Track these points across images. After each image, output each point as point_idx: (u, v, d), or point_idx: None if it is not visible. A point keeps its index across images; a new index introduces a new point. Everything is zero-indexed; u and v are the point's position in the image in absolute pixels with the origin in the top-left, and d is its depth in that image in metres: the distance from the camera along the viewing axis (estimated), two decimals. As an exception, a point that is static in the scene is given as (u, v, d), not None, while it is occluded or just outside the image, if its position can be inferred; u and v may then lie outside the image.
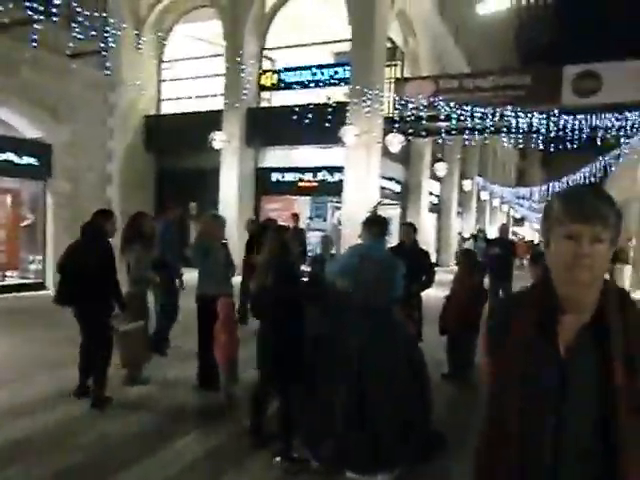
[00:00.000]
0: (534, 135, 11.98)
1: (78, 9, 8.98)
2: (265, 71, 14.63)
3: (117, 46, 10.55)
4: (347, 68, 13.20)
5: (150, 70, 15.78)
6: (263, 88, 14.61)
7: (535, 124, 11.70)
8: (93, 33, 9.33)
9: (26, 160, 9.83)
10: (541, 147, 12.37)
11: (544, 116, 11.68)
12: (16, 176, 9.86)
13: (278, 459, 3.37)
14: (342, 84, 13.48)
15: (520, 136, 12.24)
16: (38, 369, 5.08)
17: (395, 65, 15.22)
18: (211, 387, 4.51)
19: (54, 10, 8.50)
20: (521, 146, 13.70)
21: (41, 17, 8.35)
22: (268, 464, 3.37)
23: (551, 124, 11.55)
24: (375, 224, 3.92)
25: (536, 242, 27.68)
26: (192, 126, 14.80)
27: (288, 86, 14.19)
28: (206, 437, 3.81)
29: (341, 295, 3.49)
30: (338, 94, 14.68)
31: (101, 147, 10.90)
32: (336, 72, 13.60)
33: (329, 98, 14.93)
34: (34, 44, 8.34)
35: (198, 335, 4.57)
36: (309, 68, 13.92)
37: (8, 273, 9.91)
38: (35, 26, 8.33)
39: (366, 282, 3.39)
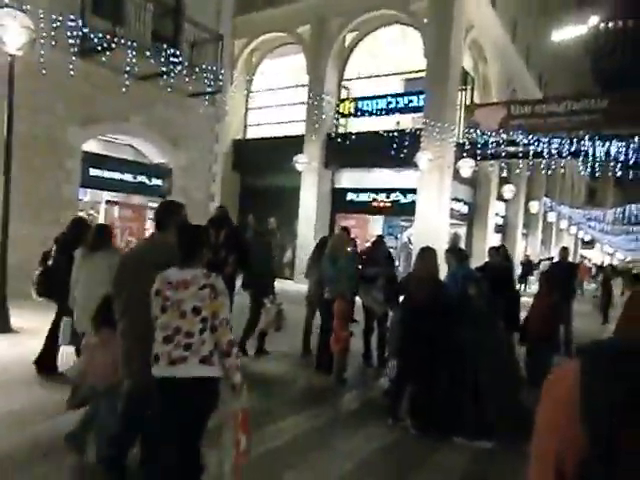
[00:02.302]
0: (611, 162, 12.22)
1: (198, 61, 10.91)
2: (343, 100, 15.92)
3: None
4: (421, 97, 14.20)
5: (239, 100, 17.54)
6: (341, 115, 15.90)
7: (612, 151, 11.97)
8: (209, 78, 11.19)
9: (154, 181, 11.75)
10: (618, 174, 12.57)
11: (622, 143, 11.95)
12: (147, 194, 11.89)
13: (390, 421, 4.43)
14: (416, 112, 14.48)
15: (596, 163, 12.51)
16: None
17: (464, 90, 15.99)
18: (326, 371, 5.62)
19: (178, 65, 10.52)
20: (597, 174, 13.85)
21: (172, 69, 10.30)
22: (388, 428, 4.43)
23: (630, 151, 11.78)
24: (460, 252, 5.40)
25: (605, 264, 27.11)
26: (274, 149, 16.34)
27: (365, 113, 15.38)
28: (333, 408, 4.92)
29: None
30: (406, 120, 15.74)
31: (207, 170, 12.59)
32: (410, 101, 14.63)
33: (398, 123, 16.00)
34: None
35: (320, 329, 5.74)
36: (385, 97, 15.06)
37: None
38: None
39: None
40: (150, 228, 12.05)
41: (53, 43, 8.79)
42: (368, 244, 8.28)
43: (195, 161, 12.32)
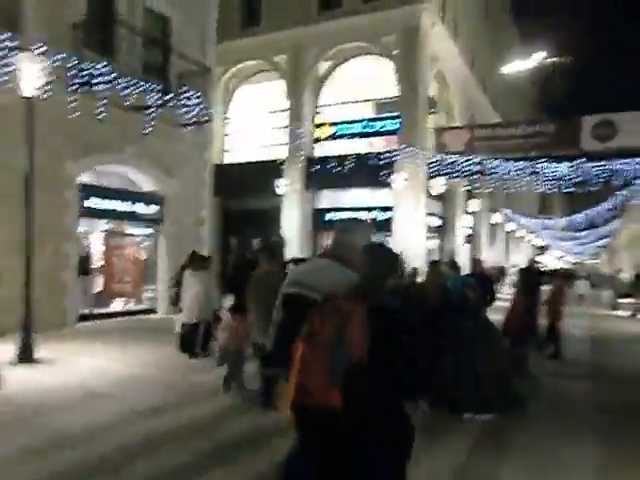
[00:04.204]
0: (562, 181, 13.90)
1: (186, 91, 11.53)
2: (321, 124, 16.88)
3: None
4: (394, 121, 15.35)
5: (217, 126, 18.19)
6: (319, 139, 16.84)
7: (561, 172, 13.67)
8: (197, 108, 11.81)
9: (149, 209, 12.22)
10: (568, 191, 14.23)
11: (570, 164, 13.67)
12: (142, 221, 12.34)
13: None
14: (390, 135, 15.60)
15: (549, 182, 14.15)
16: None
17: (433, 113, 17.27)
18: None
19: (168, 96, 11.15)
20: (550, 191, 15.58)
21: (162, 100, 10.92)
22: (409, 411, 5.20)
23: (577, 171, 13.51)
24: (455, 265, 6.40)
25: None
26: (253, 173, 17.06)
27: (342, 137, 16.39)
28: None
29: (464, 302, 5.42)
30: (379, 142, 16.84)
31: (197, 196, 13.16)
32: (384, 125, 15.76)
33: (371, 144, 17.08)
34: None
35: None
36: (360, 121, 16.14)
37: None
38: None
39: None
40: (140, 254, 12.48)
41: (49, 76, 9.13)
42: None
43: (186, 188, 12.85)
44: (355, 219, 2.83)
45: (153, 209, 12.45)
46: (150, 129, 11.12)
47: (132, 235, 12.36)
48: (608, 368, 7.97)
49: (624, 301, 17.63)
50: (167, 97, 11.28)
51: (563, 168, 13.82)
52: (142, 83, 10.82)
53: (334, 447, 2.00)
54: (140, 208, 12.21)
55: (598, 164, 13.87)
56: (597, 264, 50.74)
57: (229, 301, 6.40)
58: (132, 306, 12.00)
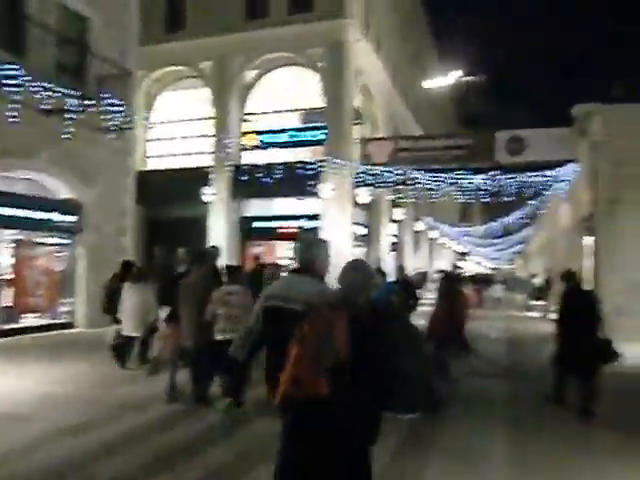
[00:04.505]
0: (480, 192, 14.93)
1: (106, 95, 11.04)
2: (247, 133, 16.82)
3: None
4: (321, 132, 15.64)
5: (139, 132, 17.53)
6: (245, 148, 16.76)
7: (478, 182, 14.69)
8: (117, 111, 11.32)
9: (66, 218, 11.51)
10: (485, 201, 15.29)
11: (486, 175, 14.75)
12: (57, 231, 11.54)
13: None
14: (316, 145, 15.87)
15: (467, 192, 15.13)
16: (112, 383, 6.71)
17: (359, 124, 17.80)
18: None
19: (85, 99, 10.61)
20: (469, 201, 16.67)
21: (79, 103, 10.38)
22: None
23: (492, 182, 14.61)
24: (382, 273, 6.80)
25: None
26: (178, 181, 16.61)
27: (268, 146, 16.43)
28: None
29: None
30: (306, 151, 17.09)
31: (119, 204, 12.57)
32: (311, 135, 16.02)
33: (298, 154, 17.27)
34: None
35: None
36: (286, 131, 16.27)
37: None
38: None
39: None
40: (54, 266, 11.72)
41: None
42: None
43: (107, 196, 12.25)
44: (308, 233, 3.20)
45: (70, 218, 11.73)
46: (68, 134, 10.52)
47: (46, 245, 11.55)
48: (521, 367, 8.51)
49: (536, 303, 19.09)
50: (86, 101, 10.75)
51: (480, 179, 14.82)
52: (58, 85, 10.24)
53: (319, 437, 2.31)
54: (55, 216, 11.45)
55: (510, 176, 15.02)
56: (513, 269, 54.40)
57: (164, 312, 6.51)
58: (47, 321, 11.20)
